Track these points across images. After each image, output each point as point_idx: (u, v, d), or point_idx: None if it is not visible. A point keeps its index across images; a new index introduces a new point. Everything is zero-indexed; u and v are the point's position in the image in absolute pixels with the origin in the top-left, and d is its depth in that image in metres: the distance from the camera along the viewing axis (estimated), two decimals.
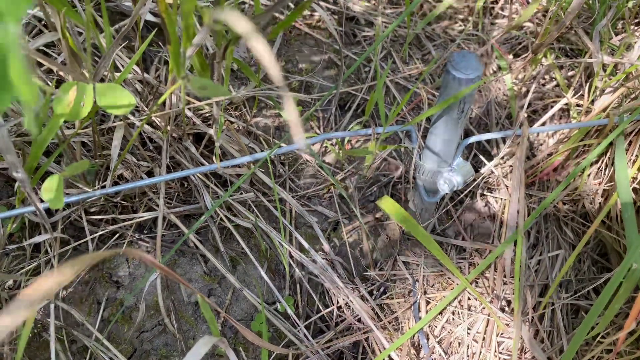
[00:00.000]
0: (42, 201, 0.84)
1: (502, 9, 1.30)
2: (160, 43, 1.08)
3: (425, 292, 0.96)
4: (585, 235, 0.78)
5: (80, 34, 0.99)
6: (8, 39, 0.33)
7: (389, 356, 0.89)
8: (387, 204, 0.80)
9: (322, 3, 1.22)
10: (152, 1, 1.02)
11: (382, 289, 0.97)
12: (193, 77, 0.63)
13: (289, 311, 0.91)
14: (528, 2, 1.22)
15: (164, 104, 0.97)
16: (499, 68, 1.20)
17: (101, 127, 0.91)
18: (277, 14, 1.20)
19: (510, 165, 1.07)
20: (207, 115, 1.00)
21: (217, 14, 0.42)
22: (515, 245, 0.81)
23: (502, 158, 1.07)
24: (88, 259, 0.43)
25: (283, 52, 1.18)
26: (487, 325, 0.93)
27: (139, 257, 0.42)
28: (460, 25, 1.29)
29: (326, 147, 1.08)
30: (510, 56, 1.22)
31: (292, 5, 1.20)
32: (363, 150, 0.87)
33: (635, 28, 1.18)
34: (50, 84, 0.95)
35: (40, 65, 0.95)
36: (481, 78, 0.72)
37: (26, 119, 0.30)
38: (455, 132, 0.79)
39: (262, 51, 0.28)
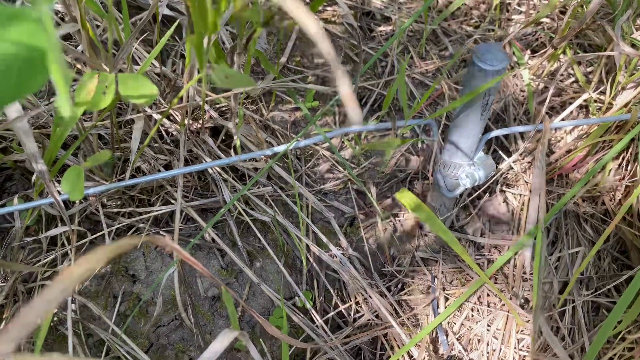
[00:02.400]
0: (59, 194, 0.83)
1: (519, 4, 1.29)
2: (176, 37, 1.08)
3: (444, 289, 0.95)
4: (605, 232, 0.76)
5: (98, 26, 0.99)
6: (42, 21, 0.33)
7: (409, 353, 0.88)
8: (406, 198, 0.79)
9: None
10: None
11: (400, 285, 0.96)
12: (217, 66, 0.62)
13: (308, 306, 0.90)
14: None
15: (181, 98, 0.96)
16: (517, 64, 1.19)
17: (119, 119, 0.90)
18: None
19: (529, 162, 1.06)
20: (223, 109, 1.00)
21: None
22: (535, 240, 0.79)
23: (521, 154, 1.05)
24: (117, 246, 0.42)
25: (298, 47, 1.17)
26: (506, 322, 0.92)
27: (164, 245, 0.41)
28: (477, 21, 1.28)
29: (343, 142, 1.07)
30: (528, 52, 1.21)
31: None
32: (383, 143, 0.86)
33: None
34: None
35: None
36: (507, 69, 0.71)
37: (60, 104, 0.30)
38: (479, 125, 0.78)
39: (328, 52, 0.27)
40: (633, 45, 1.02)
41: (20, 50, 0.32)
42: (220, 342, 0.62)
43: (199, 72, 0.76)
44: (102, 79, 0.68)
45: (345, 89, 0.26)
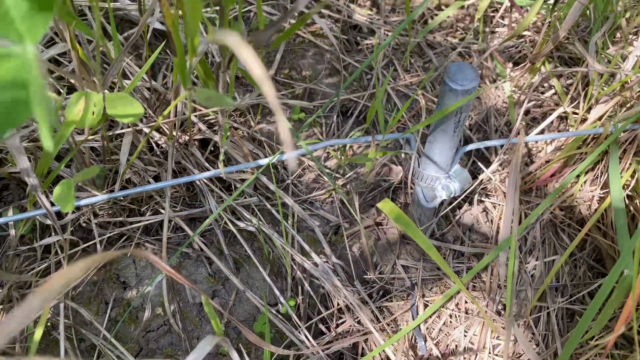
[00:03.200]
0: (52, 204, 0.87)
1: (502, 17, 1.32)
2: (167, 50, 1.11)
3: (423, 296, 0.98)
4: (576, 239, 0.80)
5: (90, 42, 1.02)
6: (27, 60, 0.36)
7: (387, 357, 0.91)
8: (387, 207, 0.82)
9: (324, 11, 1.25)
10: (160, 12, 1.05)
11: (381, 292, 1.00)
12: (199, 88, 0.65)
13: (291, 313, 0.93)
14: (526, 12, 1.24)
15: (169, 112, 1.00)
16: (499, 76, 1.22)
17: (110, 133, 0.94)
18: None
19: (508, 172, 1.09)
20: (212, 121, 1.03)
21: (218, 36, 0.44)
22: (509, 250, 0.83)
23: (501, 165, 1.09)
24: (99, 257, 0.46)
25: (287, 59, 1.21)
26: (483, 328, 0.95)
27: (146, 258, 0.45)
28: (462, 33, 1.32)
29: (328, 152, 1.11)
30: (510, 64, 1.24)
31: (294, 13, 1.23)
32: (363, 157, 0.90)
33: (634, 37, 1.20)
34: (61, 90, 0.99)
35: (51, 72, 0.99)
36: (477, 89, 0.74)
37: (43, 138, 0.33)
38: (452, 140, 0.81)
39: (261, 77, 0.31)
40: (609, 60, 1.06)
41: (7, 87, 0.36)
42: (202, 349, 0.66)
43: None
44: (90, 98, 0.72)
45: (284, 134, 0.29)
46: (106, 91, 0.90)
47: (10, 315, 0.37)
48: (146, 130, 0.93)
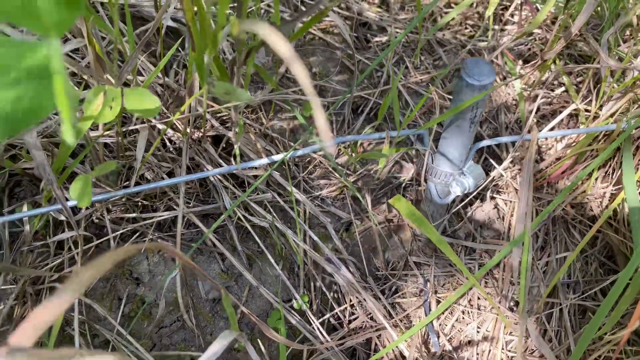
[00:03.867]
0: (67, 200, 0.87)
1: (512, 15, 1.32)
2: (179, 48, 1.12)
3: (436, 292, 0.98)
4: (587, 235, 0.80)
5: (103, 38, 1.03)
6: (51, 54, 0.36)
7: (400, 353, 0.91)
8: (400, 204, 0.83)
9: (335, 9, 1.25)
10: (175, 8, 1.06)
11: (394, 288, 1.00)
12: (218, 82, 0.66)
13: (304, 308, 0.94)
14: (537, 10, 1.24)
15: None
16: (509, 74, 1.22)
17: (124, 129, 0.94)
18: (288, 18, 1.23)
19: (519, 169, 1.09)
20: (225, 118, 1.03)
21: (247, 26, 0.45)
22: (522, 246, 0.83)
23: (512, 161, 1.09)
24: (122, 252, 0.46)
25: (298, 56, 1.21)
26: (495, 324, 0.95)
27: (168, 251, 0.45)
28: (471, 31, 1.32)
29: (339, 149, 1.11)
30: (520, 61, 1.25)
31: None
32: (376, 153, 0.90)
33: None
34: (76, 88, 0.99)
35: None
36: (493, 84, 0.74)
37: (64, 131, 0.33)
38: (467, 136, 0.82)
39: (302, 74, 0.31)
40: (620, 58, 1.06)
41: (31, 80, 0.36)
42: (220, 344, 0.66)
43: (200, 87, 0.80)
44: (108, 93, 0.72)
45: (321, 122, 0.30)
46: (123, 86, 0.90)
47: (42, 307, 0.37)
48: (160, 126, 0.93)
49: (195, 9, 0.69)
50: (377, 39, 1.25)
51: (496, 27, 1.31)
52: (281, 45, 0.36)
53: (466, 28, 1.33)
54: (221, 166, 0.96)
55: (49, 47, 0.37)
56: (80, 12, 0.38)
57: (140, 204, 0.97)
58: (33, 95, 0.36)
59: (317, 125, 0.32)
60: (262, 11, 1.22)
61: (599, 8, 1.08)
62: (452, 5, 1.35)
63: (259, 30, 0.39)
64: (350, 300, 0.96)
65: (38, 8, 0.37)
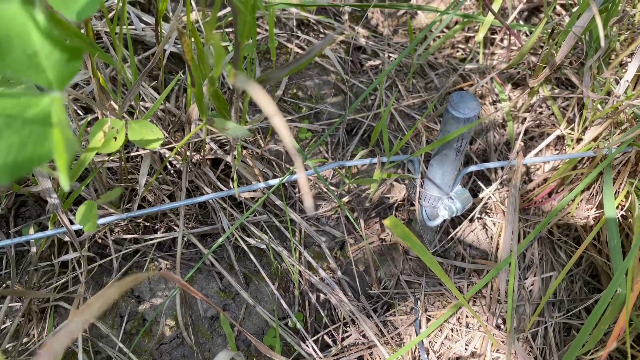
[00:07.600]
0: (71, 222, 0.91)
1: (501, 40, 1.37)
2: (180, 72, 1.16)
3: (426, 310, 1.02)
4: (573, 257, 0.84)
5: (107, 65, 1.07)
6: (53, 107, 0.40)
7: None
8: (393, 224, 0.86)
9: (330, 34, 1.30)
10: (177, 38, 1.10)
11: (385, 307, 1.04)
12: (217, 119, 0.70)
13: (299, 326, 0.97)
14: (523, 36, 1.29)
15: (183, 130, 1.04)
16: (498, 96, 1.27)
17: (127, 154, 0.98)
18: (286, 43, 1.27)
19: (507, 191, 1.13)
20: (224, 140, 1.07)
21: (239, 83, 0.49)
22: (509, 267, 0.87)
23: (500, 183, 1.13)
24: (129, 282, 0.50)
25: (294, 80, 1.25)
26: (483, 342, 0.99)
27: (168, 278, 0.48)
28: (462, 54, 1.37)
29: (334, 170, 1.15)
30: (509, 85, 1.29)
31: (302, 44, 1.28)
32: (368, 179, 0.94)
33: (628, 60, 1.25)
34: (79, 112, 1.03)
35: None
36: (478, 117, 0.78)
37: (60, 179, 0.36)
38: (454, 164, 0.86)
39: (282, 130, 0.35)
40: (603, 84, 1.10)
41: (35, 127, 0.39)
42: None
43: (200, 117, 0.84)
44: (112, 125, 0.76)
45: (304, 190, 0.34)
46: (126, 116, 0.95)
47: (54, 337, 0.41)
48: (162, 151, 0.97)
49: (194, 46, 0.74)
50: (370, 62, 1.30)
51: (486, 51, 1.35)
52: (264, 103, 0.40)
53: (457, 51, 1.38)
54: (220, 189, 1.00)
55: (51, 99, 0.40)
56: (80, 66, 0.41)
57: (141, 225, 1.01)
58: (36, 142, 0.39)
59: (299, 185, 0.36)
60: (260, 37, 1.27)
61: (584, 36, 1.13)
62: (444, 30, 1.40)
63: (247, 89, 0.43)
64: (344, 318, 1.00)
65: (42, 63, 0.40)
